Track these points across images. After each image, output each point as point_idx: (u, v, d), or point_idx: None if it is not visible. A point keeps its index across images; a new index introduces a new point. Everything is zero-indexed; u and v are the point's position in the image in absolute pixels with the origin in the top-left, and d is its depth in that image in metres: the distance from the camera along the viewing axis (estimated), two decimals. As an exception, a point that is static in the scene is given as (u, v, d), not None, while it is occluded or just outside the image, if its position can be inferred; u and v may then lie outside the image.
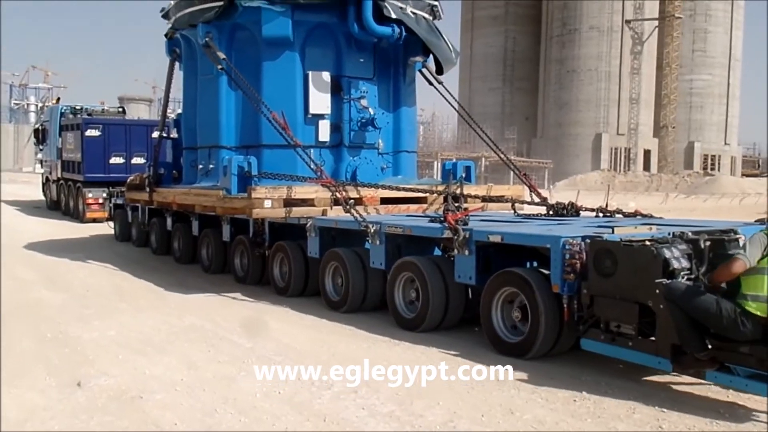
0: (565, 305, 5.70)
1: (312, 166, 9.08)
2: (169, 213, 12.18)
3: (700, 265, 5.36)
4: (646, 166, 61.48)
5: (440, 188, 9.73)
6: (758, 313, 4.64)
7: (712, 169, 63.15)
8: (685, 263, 5.16)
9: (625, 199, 28.55)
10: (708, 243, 5.51)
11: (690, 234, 5.59)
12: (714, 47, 65.03)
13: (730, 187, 43.24)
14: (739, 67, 67.82)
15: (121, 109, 23.65)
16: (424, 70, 10.76)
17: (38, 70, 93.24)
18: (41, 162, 26.28)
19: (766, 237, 4.72)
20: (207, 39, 9.88)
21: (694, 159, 65.10)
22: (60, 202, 22.67)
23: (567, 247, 5.63)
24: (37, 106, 60.65)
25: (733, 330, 4.69)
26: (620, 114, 60.07)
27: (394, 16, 9.82)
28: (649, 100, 61.39)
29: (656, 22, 60.94)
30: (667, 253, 5.10)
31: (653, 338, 5.20)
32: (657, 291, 5.02)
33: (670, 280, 5.03)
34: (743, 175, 63.84)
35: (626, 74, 59.50)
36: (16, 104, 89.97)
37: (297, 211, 8.95)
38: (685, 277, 5.13)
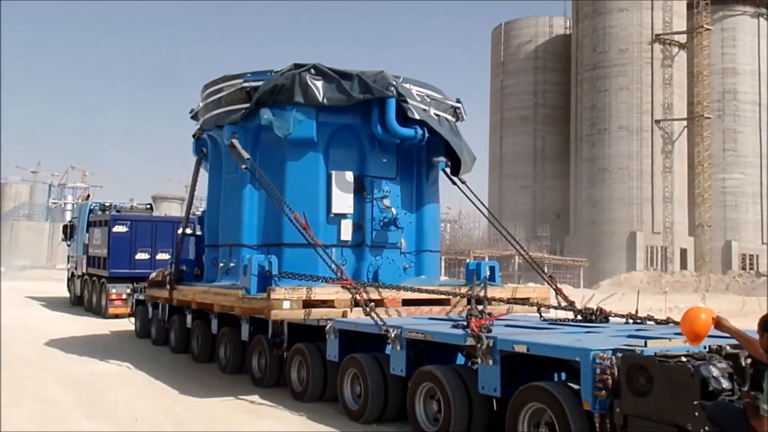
0: (597, 424, 5.28)
1: (332, 267, 8.89)
2: (189, 310, 12.02)
3: (742, 384, 4.93)
4: (683, 265, 60.25)
5: (463, 290, 9.44)
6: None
7: (751, 268, 61.56)
8: (725, 383, 4.77)
9: (682, 301, 27.58)
10: (749, 360, 5.09)
11: (729, 348, 5.19)
12: (744, 147, 64.99)
13: None
14: (772, 166, 67.38)
15: (149, 206, 24.07)
16: (448, 170, 10.70)
17: (77, 171, 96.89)
18: (68, 258, 26.66)
19: None
20: (233, 139, 10.00)
21: (732, 258, 63.72)
22: (83, 298, 22.71)
23: (598, 361, 5.26)
24: (73, 205, 62.87)
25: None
26: (654, 212, 59.57)
27: (417, 117, 9.89)
28: (682, 199, 60.94)
29: (685, 122, 61.38)
30: (706, 372, 4.71)
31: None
32: (696, 413, 4.61)
33: (710, 402, 4.61)
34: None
35: (658, 173, 59.44)
36: (54, 203, 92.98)
37: (316, 313, 8.70)
38: (726, 399, 4.69)
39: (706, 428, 4.56)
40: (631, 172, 59.71)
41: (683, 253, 61.48)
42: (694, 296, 37.82)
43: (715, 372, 4.79)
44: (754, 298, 33.87)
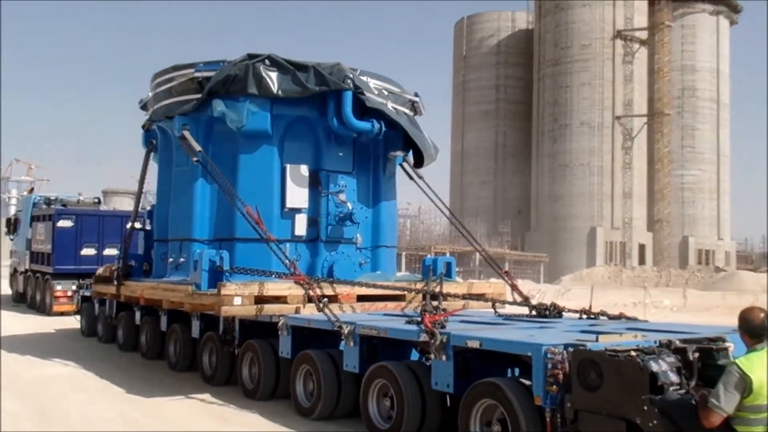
0: (547, 419, 5.23)
1: (286, 262, 8.71)
2: (138, 307, 11.72)
3: (690, 378, 4.92)
4: (641, 260, 61.36)
5: (419, 285, 9.34)
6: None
7: (707, 263, 63.00)
8: (674, 377, 4.76)
9: (649, 296, 27.86)
10: (697, 354, 5.09)
11: (678, 343, 5.19)
12: (702, 143, 66.43)
13: (750, 283, 41.73)
14: (728, 163, 69.00)
15: (96, 200, 23.42)
16: (405, 165, 10.59)
17: (22, 163, 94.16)
18: (11, 253, 25.82)
19: (738, 370, 4.27)
20: (183, 131, 9.73)
21: (689, 253, 65.09)
22: (26, 295, 22.01)
23: (549, 356, 5.21)
24: (17, 199, 61.12)
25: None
26: (614, 208, 60.51)
27: (375, 107, 9.74)
28: (641, 195, 62.01)
29: (645, 119, 62.42)
30: (655, 366, 4.69)
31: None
32: (645, 407, 4.58)
33: (658, 396, 4.58)
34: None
35: (618, 169, 60.37)
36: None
37: (269, 309, 8.52)
38: (675, 392, 4.67)
39: (655, 422, 4.53)
40: (591, 168, 60.56)
41: (642, 248, 62.62)
42: (655, 291, 38.49)
43: (664, 366, 4.77)
44: (718, 293, 34.60)
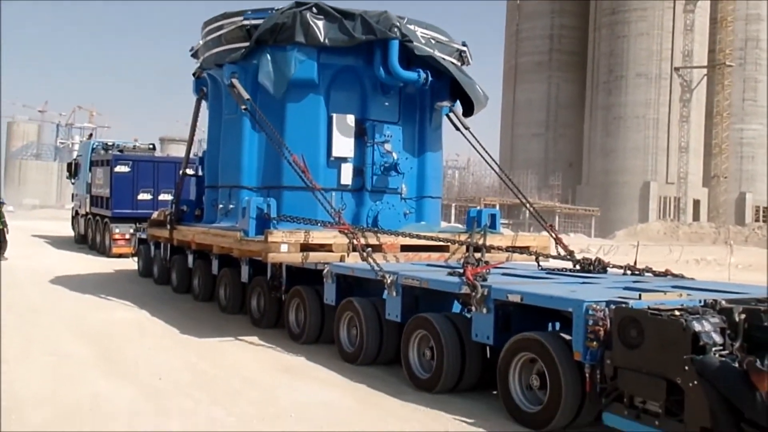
0: (587, 375, 5.24)
1: (331, 211, 8.80)
2: (190, 251, 12.05)
3: (735, 339, 4.85)
4: (696, 217, 59.87)
5: (463, 237, 9.35)
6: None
7: (765, 220, 61.11)
8: (717, 338, 4.68)
9: (708, 253, 26.78)
10: (743, 315, 4.99)
11: (723, 303, 5.09)
12: (765, 96, 63.60)
13: None
14: (791, 117, 66.14)
15: (152, 146, 23.95)
16: (452, 116, 10.48)
17: (84, 110, 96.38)
18: (72, 196, 26.71)
19: None
20: (232, 79, 9.80)
21: (745, 210, 63.20)
22: (87, 237, 22.88)
23: (590, 312, 5.19)
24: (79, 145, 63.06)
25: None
26: (669, 163, 58.86)
27: (423, 55, 9.62)
28: (698, 149, 60.10)
29: (705, 70, 60.00)
30: (698, 327, 4.63)
31: (682, 419, 4.68)
32: (686, 368, 4.54)
33: (701, 356, 4.53)
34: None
35: (675, 122, 58.47)
36: (62, 143, 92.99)
37: (314, 257, 8.67)
38: (717, 354, 4.61)
39: (695, 382, 4.50)
40: (647, 121, 58.80)
41: (696, 204, 61.02)
42: (714, 248, 37.50)
43: (708, 327, 4.69)
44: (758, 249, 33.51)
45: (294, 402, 6.31)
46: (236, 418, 5.81)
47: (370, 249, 8.28)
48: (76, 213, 25.12)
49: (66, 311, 10.60)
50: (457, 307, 7.47)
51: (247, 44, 9.78)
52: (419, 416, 6.00)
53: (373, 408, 6.23)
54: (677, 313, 4.83)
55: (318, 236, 8.74)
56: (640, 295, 5.54)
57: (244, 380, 7.03)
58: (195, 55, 11.52)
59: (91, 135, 31.56)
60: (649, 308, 5.01)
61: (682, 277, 7.90)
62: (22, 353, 7.83)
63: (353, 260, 8.50)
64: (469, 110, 10.63)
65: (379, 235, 9.03)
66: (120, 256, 19.08)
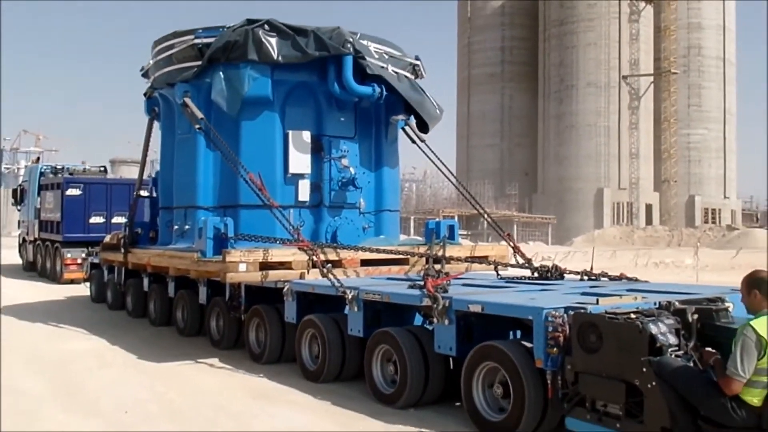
0: (548, 381, 5.29)
1: (289, 228, 8.75)
2: (146, 274, 11.82)
3: (689, 339, 4.97)
4: (648, 221, 61.35)
5: (422, 249, 9.39)
6: (752, 401, 4.23)
7: (713, 222, 62.91)
8: (672, 339, 4.79)
9: (663, 255, 27.08)
10: (696, 315, 5.13)
11: (677, 304, 5.22)
12: (708, 102, 65.82)
13: (763, 240, 40.85)
14: (734, 122, 68.45)
15: (103, 168, 23.50)
16: (407, 129, 10.55)
17: (30, 135, 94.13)
18: (19, 223, 25.97)
19: (754, 333, 4.26)
20: (185, 98, 9.70)
21: (695, 213, 64.97)
22: (36, 263, 22.24)
23: (550, 319, 5.25)
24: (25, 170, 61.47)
25: (724, 416, 4.28)
26: (621, 169, 60.30)
27: (375, 73, 9.68)
28: (648, 155, 61.71)
29: (652, 78, 61.75)
30: (654, 329, 4.73)
31: (642, 420, 4.76)
32: (644, 369, 4.63)
33: (658, 357, 4.63)
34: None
35: (625, 129, 60.00)
36: (7, 168, 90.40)
37: (274, 275, 8.58)
38: (673, 354, 4.72)
39: (653, 383, 4.58)
40: (598, 129, 60.22)
41: (649, 208, 62.56)
42: (670, 251, 38.32)
43: (663, 328, 4.80)
44: (732, 251, 34.37)
45: (272, 429, 6.09)
46: None
47: (330, 265, 8.25)
48: (23, 240, 24.42)
49: (18, 343, 10.15)
50: (419, 320, 7.48)
51: (199, 63, 9.69)
52: None
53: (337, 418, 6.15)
54: (633, 316, 4.93)
55: (277, 254, 8.66)
56: (597, 300, 5.63)
57: (216, 408, 6.74)
58: (145, 75, 11.36)
59: (38, 159, 30.89)
60: (606, 312, 5.10)
61: (636, 280, 8.07)
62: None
63: (313, 277, 8.44)
64: (424, 126, 10.70)
65: (338, 250, 9.00)
66: (72, 281, 18.58)
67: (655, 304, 5.40)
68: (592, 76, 60.35)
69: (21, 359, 9.03)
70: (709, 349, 4.68)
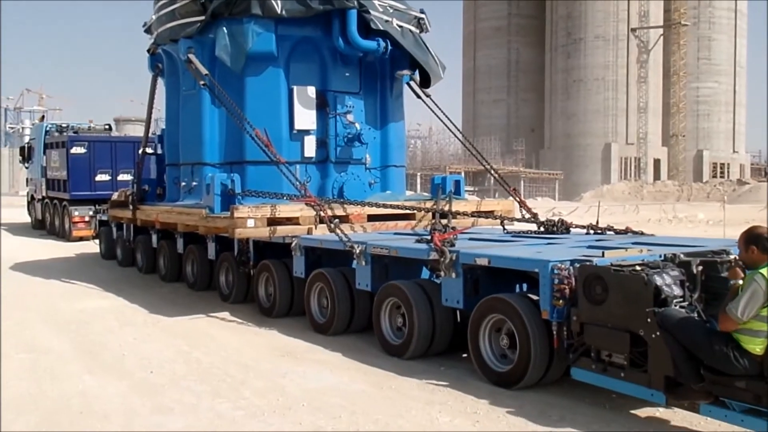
0: (554, 333, 5.38)
1: (296, 184, 8.77)
2: (154, 230, 11.91)
3: (693, 291, 5.01)
4: (656, 176, 61.07)
5: (428, 204, 9.41)
6: (754, 350, 4.29)
7: (721, 176, 62.59)
8: (677, 290, 4.84)
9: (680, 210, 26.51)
10: (700, 267, 5.16)
11: (682, 256, 5.25)
12: (719, 55, 64.81)
13: None
14: (744, 75, 67.51)
15: (107, 126, 23.47)
16: (413, 84, 10.46)
17: (33, 93, 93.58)
18: (27, 181, 26.10)
19: (764, 281, 4.28)
20: (189, 54, 9.62)
21: (703, 167, 64.63)
22: (45, 221, 22.43)
23: (556, 271, 5.31)
24: (31, 129, 61.19)
25: (726, 365, 4.35)
26: (629, 123, 59.78)
27: (380, 28, 9.57)
28: (657, 109, 61.08)
29: (661, 30, 60.71)
30: (659, 280, 4.78)
31: (646, 370, 4.84)
32: (648, 320, 4.70)
33: (662, 309, 4.68)
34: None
35: (633, 83, 59.26)
36: (11, 128, 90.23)
37: (281, 230, 8.65)
38: (678, 305, 4.78)
39: (657, 333, 4.65)
40: (606, 83, 59.50)
41: (657, 163, 62.21)
42: (681, 206, 38.08)
43: (668, 280, 4.84)
44: (744, 206, 34.04)
45: (302, 389, 5.84)
46: (245, 412, 5.28)
47: (337, 220, 8.30)
48: (32, 198, 24.59)
49: (37, 302, 10.17)
50: (426, 274, 7.57)
51: (202, 18, 9.59)
52: (440, 397, 5.61)
53: (389, 391, 5.80)
54: (638, 268, 4.97)
55: (284, 210, 8.71)
56: (603, 253, 5.69)
57: (244, 368, 6.51)
58: (148, 31, 11.25)
59: (43, 117, 30.80)
60: (612, 265, 5.14)
61: (642, 233, 8.09)
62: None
63: (321, 232, 8.51)
64: (426, 81, 10.62)
65: (345, 206, 9.03)
66: (81, 239, 18.79)
67: (660, 256, 5.45)
68: (601, 28, 59.33)
69: (39, 318, 9.07)
70: (738, 269, 4.67)
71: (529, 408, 5.29)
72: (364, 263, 7.36)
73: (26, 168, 25.42)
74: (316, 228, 8.64)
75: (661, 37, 60.97)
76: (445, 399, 5.54)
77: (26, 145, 25.14)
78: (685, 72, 62.55)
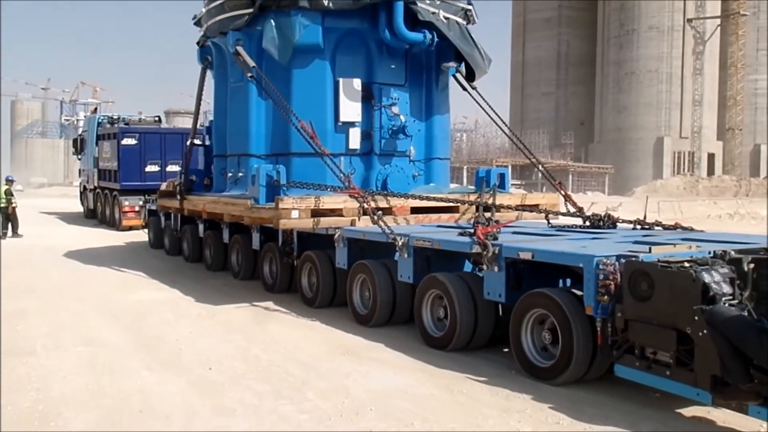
0: (598, 329, 5.29)
1: (340, 176, 8.82)
2: (201, 220, 12.16)
3: (744, 289, 4.86)
4: (710, 171, 59.35)
5: (472, 197, 9.35)
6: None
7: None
8: (726, 288, 4.69)
9: (731, 206, 25.33)
10: (752, 265, 5.00)
11: (732, 253, 5.10)
12: (780, 46, 62.47)
13: None
14: (806, 67, 65.00)
15: (157, 118, 24.02)
16: (458, 76, 10.39)
17: (87, 86, 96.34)
18: (79, 171, 26.92)
19: None
20: (237, 47, 9.76)
21: (760, 162, 62.57)
22: (97, 211, 23.16)
23: (601, 267, 5.22)
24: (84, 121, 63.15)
25: (778, 365, 4.20)
26: (683, 117, 58.19)
27: (426, 20, 9.53)
28: (712, 102, 59.32)
29: (719, 21, 58.86)
30: (707, 277, 4.64)
31: (692, 368, 4.73)
32: (696, 317, 4.58)
33: (710, 306, 4.56)
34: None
35: (688, 75, 57.63)
36: (67, 120, 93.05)
37: (325, 222, 8.72)
38: (727, 303, 4.64)
39: (705, 331, 4.53)
40: (660, 75, 57.98)
41: (711, 158, 60.46)
42: (741, 201, 36.73)
43: (717, 277, 4.70)
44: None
45: (368, 392, 5.57)
46: (310, 416, 5.04)
47: (380, 212, 8.33)
48: (84, 188, 25.39)
49: (91, 293, 10.13)
50: (468, 267, 7.53)
51: (250, 11, 9.72)
52: (516, 405, 5.29)
53: (460, 396, 5.51)
54: (687, 264, 4.84)
55: (328, 201, 8.78)
56: (650, 249, 5.57)
57: (304, 366, 6.30)
58: (198, 24, 11.45)
59: (95, 109, 31.71)
60: (659, 261, 5.03)
61: (691, 229, 7.89)
62: (53, 343, 7.09)
63: (364, 224, 8.55)
64: (472, 74, 10.53)
65: (388, 198, 9.06)
66: (130, 228, 19.33)
67: (709, 253, 5.30)
68: (655, 19, 57.81)
69: (95, 309, 9.00)
70: None
71: (617, 417, 4.97)
72: (406, 255, 7.36)
73: (79, 159, 26.22)
74: (359, 220, 8.68)
75: (719, 28, 59.11)
76: (523, 407, 5.22)
77: (79, 137, 25.91)
78: (743, 64, 60.55)
